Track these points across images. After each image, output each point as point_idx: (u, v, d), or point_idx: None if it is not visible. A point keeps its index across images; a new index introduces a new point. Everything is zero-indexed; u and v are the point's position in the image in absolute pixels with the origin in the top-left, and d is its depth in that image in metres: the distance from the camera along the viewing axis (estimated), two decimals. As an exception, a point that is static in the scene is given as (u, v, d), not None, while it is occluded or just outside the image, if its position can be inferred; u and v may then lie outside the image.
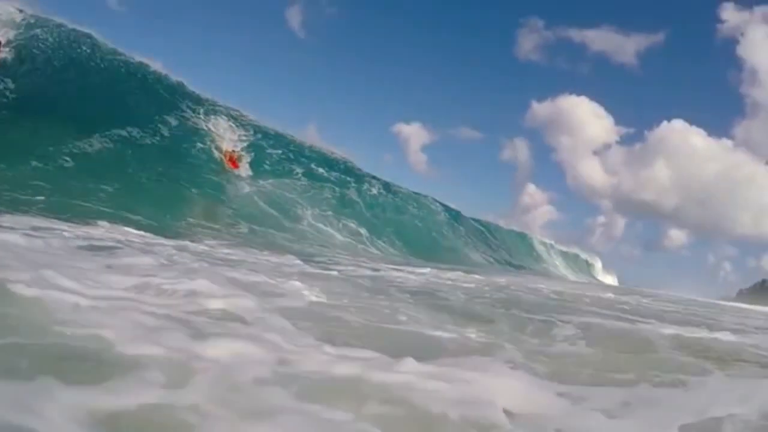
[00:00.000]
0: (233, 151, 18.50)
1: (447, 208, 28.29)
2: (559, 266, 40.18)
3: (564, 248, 43.51)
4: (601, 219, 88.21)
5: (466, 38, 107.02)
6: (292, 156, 20.64)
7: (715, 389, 3.23)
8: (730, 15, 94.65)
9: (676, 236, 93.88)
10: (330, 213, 18.96)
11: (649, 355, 4.21)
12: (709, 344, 5.08)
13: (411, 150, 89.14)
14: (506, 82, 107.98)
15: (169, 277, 3.91)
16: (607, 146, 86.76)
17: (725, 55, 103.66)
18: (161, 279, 3.82)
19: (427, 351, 3.11)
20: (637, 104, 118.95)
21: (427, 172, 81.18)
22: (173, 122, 17.40)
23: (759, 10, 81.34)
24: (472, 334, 4.13)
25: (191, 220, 12.07)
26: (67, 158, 12.47)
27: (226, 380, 1.99)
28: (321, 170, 20.99)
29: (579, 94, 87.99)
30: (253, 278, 4.96)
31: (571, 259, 43.20)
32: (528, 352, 3.65)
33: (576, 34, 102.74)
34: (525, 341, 4.11)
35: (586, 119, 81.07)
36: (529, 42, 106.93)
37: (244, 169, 18.31)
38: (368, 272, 8.26)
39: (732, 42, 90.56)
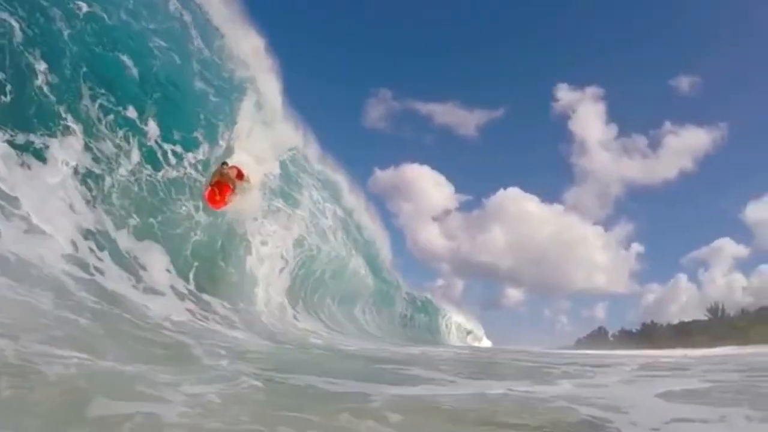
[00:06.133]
0: (224, 171, 9.30)
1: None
2: (455, 334, 40.58)
3: (459, 319, 43.76)
4: (440, 282, 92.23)
5: (314, 104, 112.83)
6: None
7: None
8: (564, 94, 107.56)
9: (514, 295, 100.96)
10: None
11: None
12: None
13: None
14: (352, 150, 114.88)
15: None
16: (446, 212, 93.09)
17: (558, 129, 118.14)
18: None
19: None
20: (476, 173, 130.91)
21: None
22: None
23: (590, 90, 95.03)
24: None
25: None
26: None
27: None
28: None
29: (422, 163, 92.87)
30: None
31: (461, 330, 43.54)
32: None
33: (422, 107, 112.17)
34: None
35: (427, 187, 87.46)
36: (376, 111, 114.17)
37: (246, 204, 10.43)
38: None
39: (565, 117, 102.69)
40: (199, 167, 9.91)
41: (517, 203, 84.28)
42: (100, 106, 8.19)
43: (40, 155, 6.97)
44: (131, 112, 8.69)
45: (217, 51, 11.12)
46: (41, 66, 7.42)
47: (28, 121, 7.08)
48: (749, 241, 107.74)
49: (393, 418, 3.37)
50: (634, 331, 76.40)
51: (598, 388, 6.17)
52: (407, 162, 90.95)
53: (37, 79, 7.35)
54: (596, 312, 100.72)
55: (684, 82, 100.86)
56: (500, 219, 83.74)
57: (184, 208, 9.53)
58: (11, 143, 6.60)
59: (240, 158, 10.41)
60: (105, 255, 7.36)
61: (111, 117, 8.34)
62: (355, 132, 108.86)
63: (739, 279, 79.08)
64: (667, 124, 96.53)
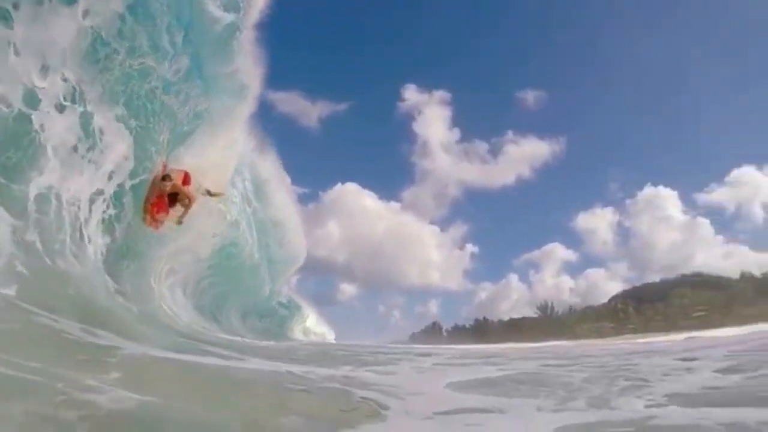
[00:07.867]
0: (164, 187, 8.57)
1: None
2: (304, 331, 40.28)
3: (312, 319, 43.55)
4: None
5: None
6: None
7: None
8: (411, 95, 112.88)
9: (348, 290, 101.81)
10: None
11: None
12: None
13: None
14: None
15: None
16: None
17: (402, 129, 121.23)
18: None
19: None
20: (315, 166, 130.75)
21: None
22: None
23: (437, 94, 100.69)
24: None
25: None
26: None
27: None
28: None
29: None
30: None
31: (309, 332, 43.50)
32: None
33: (264, 93, 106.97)
34: None
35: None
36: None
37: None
38: None
39: (410, 118, 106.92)
40: (190, 115, 9.43)
41: (354, 198, 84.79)
42: (148, 10, 7.38)
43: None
44: (176, 35, 8.09)
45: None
46: None
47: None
48: (578, 246, 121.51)
49: (113, 372, 3.03)
50: (467, 326, 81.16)
51: (389, 375, 6.21)
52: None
53: None
54: (430, 308, 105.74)
55: (529, 95, 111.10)
56: (336, 213, 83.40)
57: (162, 136, 8.85)
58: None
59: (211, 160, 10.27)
60: (67, 101, 6.20)
61: (155, 22, 7.57)
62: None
63: (567, 281, 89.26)
64: (509, 133, 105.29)
